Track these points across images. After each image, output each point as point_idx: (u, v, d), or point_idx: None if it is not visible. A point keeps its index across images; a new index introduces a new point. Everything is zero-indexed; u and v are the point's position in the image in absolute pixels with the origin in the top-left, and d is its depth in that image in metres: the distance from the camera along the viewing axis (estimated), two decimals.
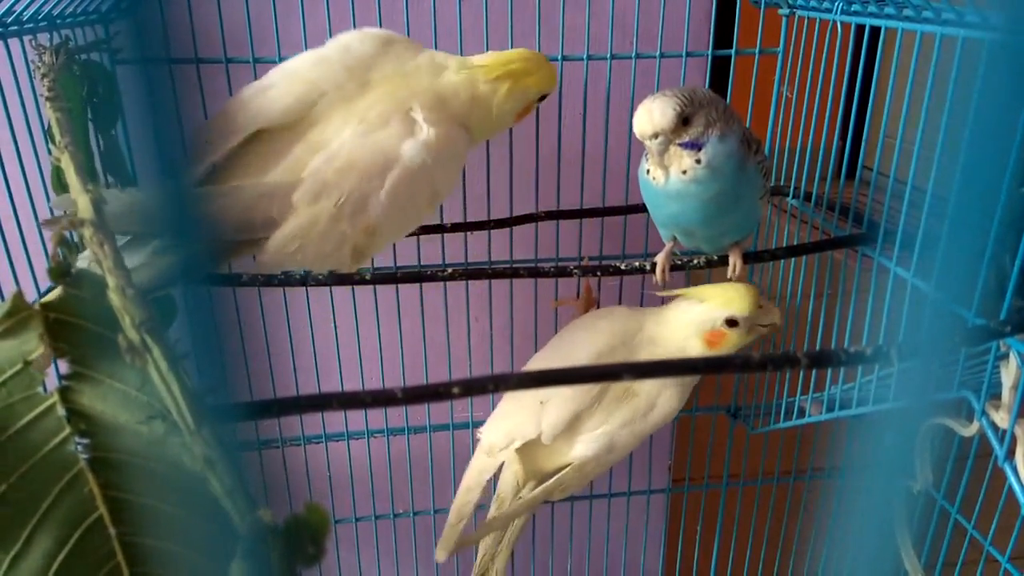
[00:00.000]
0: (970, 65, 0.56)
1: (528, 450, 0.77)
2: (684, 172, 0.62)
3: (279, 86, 0.62)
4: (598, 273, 0.71)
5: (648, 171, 0.65)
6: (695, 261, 0.73)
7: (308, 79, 0.62)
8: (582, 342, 0.77)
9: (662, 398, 0.75)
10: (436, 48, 0.71)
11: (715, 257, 0.72)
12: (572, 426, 0.75)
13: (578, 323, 0.82)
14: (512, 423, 0.77)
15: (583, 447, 0.75)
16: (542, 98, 0.70)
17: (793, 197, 0.87)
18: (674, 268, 0.71)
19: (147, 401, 0.31)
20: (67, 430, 0.33)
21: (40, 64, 0.57)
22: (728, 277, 0.71)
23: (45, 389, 0.34)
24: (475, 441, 0.82)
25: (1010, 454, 0.55)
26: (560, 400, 0.75)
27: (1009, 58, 0.19)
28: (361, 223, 0.59)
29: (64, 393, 0.33)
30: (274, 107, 0.61)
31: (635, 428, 0.76)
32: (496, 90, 0.66)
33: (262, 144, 0.62)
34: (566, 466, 0.76)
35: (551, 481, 0.76)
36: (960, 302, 0.22)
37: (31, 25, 0.65)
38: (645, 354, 0.75)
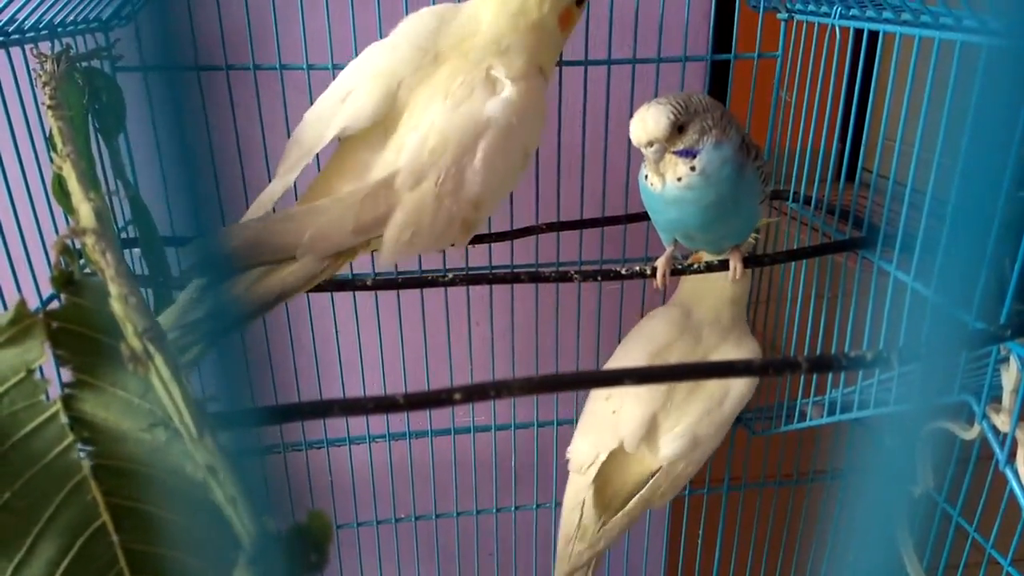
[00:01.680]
0: (969, 69, 0.56)
1: (616, 462, 0.78)
2: (679, 179, 0.63)
3: (359, 87, 0.62)
4: (599, 278, 0.72)
5: (647, 177, 0.65)
6: (695, 266, 0.73)
7: (385, 71, 0.62)
8: (640, 341, 0.81)
9: (734, 382, 0.76)
10: None
11: (716, 261, 0.72)
12: (651, 429, 0.76)
13: (637, 327, 0.84)
14: (593, 438, 0.78)
15: (667, 448, 0.76)
16: (581, 1, 0.68)
17: (793, 201, 0.87)
18: (674, 272, 0.71)
19: (149, 409, 0.31)
20: (70, 438, 0.33)
21: (41, 72, 0.57)
22: (730, 280, 0.72)
23: (48, 397, 0.34)
24: (476, 445, 0.83)
25: (1011, 458, 0.55)
26: (631, 405, 0.76)
27: (1009, 63, 0.19)
28: (464, 197, 0.60)
29: (67, 401, 0.33)
30: (363, 110, 0.61)
31: (714, 418, 0.77)
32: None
33: (357, 147, 0.62)
34: (657, 471, 0.77)
35: (646, 489, 0.76)
36: (961, 306, 0.22)
37: (32, 34, 0.65)
38: (706, 332, 0.78)
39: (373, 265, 0.85)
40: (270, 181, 0.84)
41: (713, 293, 0.82)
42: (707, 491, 1.07)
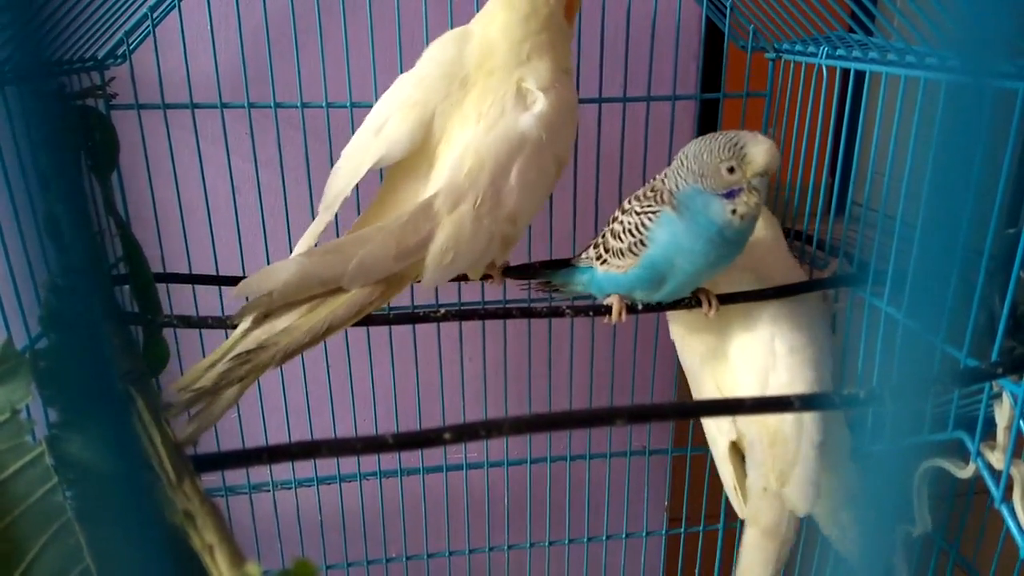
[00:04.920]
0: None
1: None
2: (742, 216, 0.62)
3: (393, 118, 0.63)
4: (591, 313, 0.71)
5: (735, 211, 0.61)
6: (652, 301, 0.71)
7: (416, 101, 0.64)
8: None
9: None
10: None
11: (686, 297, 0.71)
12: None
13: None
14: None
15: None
16: None
17: (785, 237, 0.87)
18: (630, 311, 0.70)
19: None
20: (54, 479, 0.33)
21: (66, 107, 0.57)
22: (712, 316, 0.71)
23: (34, 438, 0.34)
24: (469, 482, 0.81)
25: (1007, 495, 0.54)
26: (799, 475, 0.71)
27: (964, 98, 0.20)
28: (501, 214, 0.61)
29: (52, 442, 0.33)
30: (398, 140, 0.62)
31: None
32: None
33: (399, 177, 0.64)
34: None
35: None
36: (932, 331, 0.22)
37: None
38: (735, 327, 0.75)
39: None
40: (262, 214, 0.85)
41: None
42: (703, 528, 1.06)
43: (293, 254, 0.62)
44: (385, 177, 0.67)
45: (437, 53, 0.66)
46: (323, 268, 0.57)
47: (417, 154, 0.63)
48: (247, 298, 0.57)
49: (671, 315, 0.81)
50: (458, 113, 0.63)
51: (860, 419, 0.73)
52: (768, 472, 0.72)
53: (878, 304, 0.68)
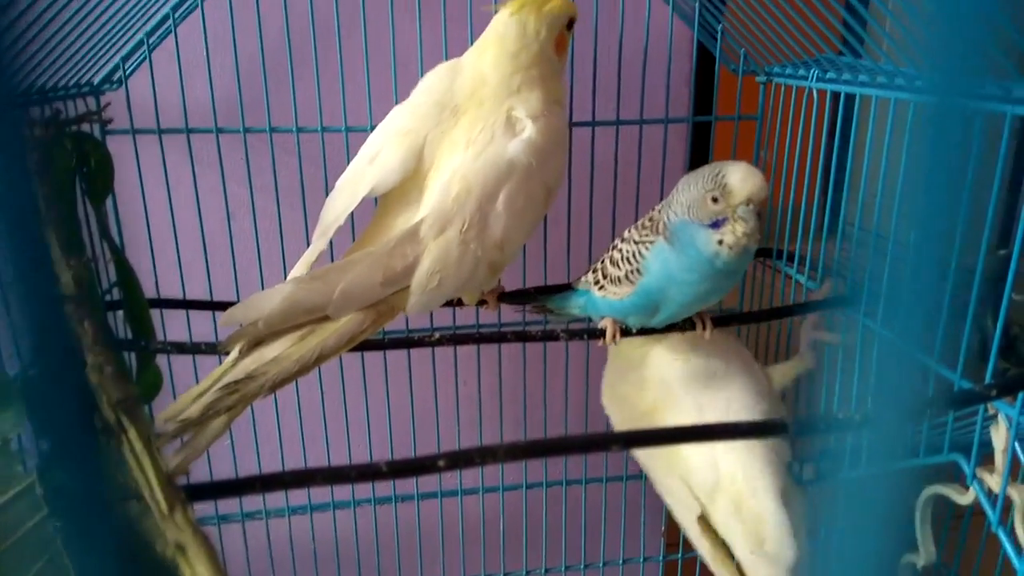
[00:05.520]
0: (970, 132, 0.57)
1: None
2: (734, 246, 0.61)
3: (385, 147, 0.64)
4: (585, 337, 0.71)
5: (722, 241, 0.61)
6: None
7: (408, 130, 0.64)
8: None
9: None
10: None
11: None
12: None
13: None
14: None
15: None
16: (570, 25, 0.69)
17: (777, 258, 0.88)
18: (625, 334, 0.70)
19: (123, 481, 0.30)
20: (45, 510, 0.33)
21: (29, 138, 0.57)
22: (707, 337, 0.71)
23: (25, 467, 0.34)
24: (464, 508, 0.81)
25: (1004, 518, 0.54)
26: (772, 531, 0.72)
27: (936, 119, 0.20)
28: (488, 240, 0.61)
29: (42, 473, 0.32)
30: (390, 169, 0.63)
31: None
32: (527, 25, 0.65)
33: (391, 205, 0.64)
34: None
35: None
36: (909, 342, 0.22)
37: (23, 99, 0.66)
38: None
39: None
40: (257, 239, 0.85)
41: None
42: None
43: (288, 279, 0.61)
44: (379, 205, 0.67)
45: (429, 83, 0.67)
46: (309, 296, 0.57)
47: (409, 181, 0.63)
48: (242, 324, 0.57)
49: (605, 383, 0.85)
50: (448, 140, 0.63)
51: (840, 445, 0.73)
52: (746, 537, 0.72)
53: (871, 325, 0.68)
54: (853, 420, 0.40)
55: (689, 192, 0.62)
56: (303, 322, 0.57)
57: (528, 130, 0.63)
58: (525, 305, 0.81)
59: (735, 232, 0.60)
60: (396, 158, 0.63)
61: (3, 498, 0.33)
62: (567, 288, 0.77)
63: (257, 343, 0.56)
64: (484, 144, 0.62)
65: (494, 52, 0.65)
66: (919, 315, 0.21)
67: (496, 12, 0.67)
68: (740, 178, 0.60)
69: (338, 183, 0.66)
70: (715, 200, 0.60)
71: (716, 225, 0.61)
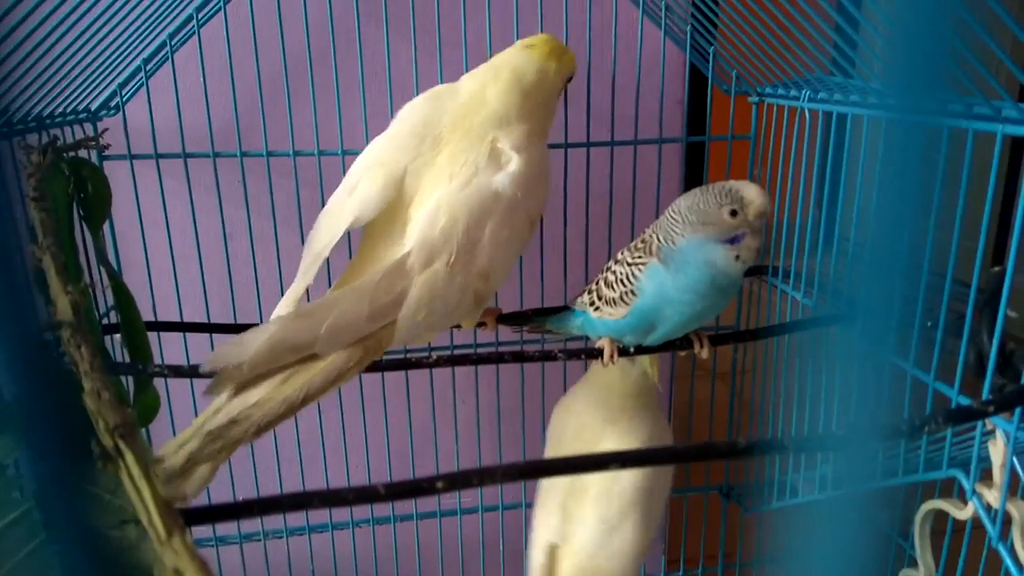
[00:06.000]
0: (934, 148, 0.58)
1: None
2: (737, 258, 0.62)
3: (364, 180, 0.64)
4: (583, 356, 0.71)
5: (738, 256, 0.61)
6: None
7: (386, 160, 0.64)
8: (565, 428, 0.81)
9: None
10: None
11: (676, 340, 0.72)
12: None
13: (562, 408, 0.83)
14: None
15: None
16: (570, 79, 0.71)
17: (773, 275, 0.88)
18: (622, 353, 0.70)
19: (120, 505, 0.30)
20: (43, 535, 0.32)
21: (27, 164, 0.58)
22: (706, 356, 0.71)
23: (22, 493, 0.33)
24: (463, 527, 0.81)
25: (1004, 533, 0.54)
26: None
27: (901, 136, 0.20)
28: (474, 271, 0.60)
29: (40, 498, 0.32)
30: (369, 200, 0.62)
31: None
32: (548, 71, 0.66)
33: (374, 237, 0.64)
34: None
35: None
36: (873, 345, 0.22)
37: (21, 127, 0.66)
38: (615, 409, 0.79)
39: None
40: (254, 262, 0.85)
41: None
42: (701, 571, 1.04)
43: (271, 318, 0.60)
44: (363, 236, 0.66)
45: (411, 113, 0.67)
46: (295, 334, 0.55)
47: (391, 212, 0.63)
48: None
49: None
50: (430, 172, 0.63)
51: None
52: None
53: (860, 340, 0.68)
54: (851, 438, 0.40)
55: (699, 211, 0.62)
56: (289, 362, 0.55)
57: (514, 162, 0.63)
58: (523, 326, 0.82)
59: (751, 247, 0.61)
60: (374, 190, 0.62)
61: (1, 523, 0.33)
62: (564, 309, 0.77)
63: (243, 386, 0.54)
64: (469, 175, 0.62)
65: (507, 81, 0.65)
66: (879, 316, 0.21)
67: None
68: (756, 191, 0.61)
69: (320, 216, 0.65)
70: (734, 213, 0.61)
71: (734, 240, 0.61)
